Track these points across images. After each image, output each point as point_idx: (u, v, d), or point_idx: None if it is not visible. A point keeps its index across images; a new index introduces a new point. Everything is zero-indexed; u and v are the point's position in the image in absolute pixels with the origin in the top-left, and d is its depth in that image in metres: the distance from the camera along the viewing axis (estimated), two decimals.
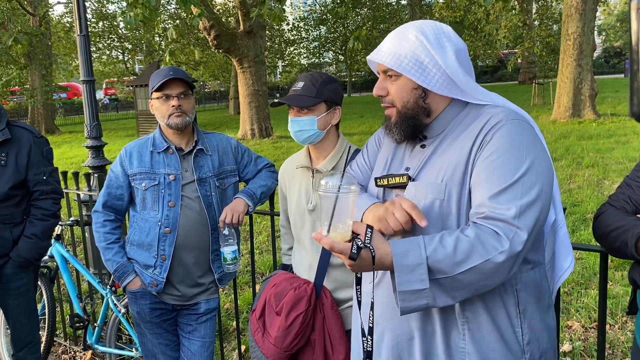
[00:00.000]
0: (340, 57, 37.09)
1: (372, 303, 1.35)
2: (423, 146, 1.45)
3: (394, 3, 30.81)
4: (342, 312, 1.98)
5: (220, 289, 2.55)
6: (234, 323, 3.45)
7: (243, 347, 3.41)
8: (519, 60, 28.18)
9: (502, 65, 38.80)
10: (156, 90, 2.24)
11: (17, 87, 23.43)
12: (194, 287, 2.38)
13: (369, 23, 24.33)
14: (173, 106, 2.23)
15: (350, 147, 2.05)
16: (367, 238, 1.20)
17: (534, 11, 26.99)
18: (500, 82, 36.42)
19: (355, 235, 1.22)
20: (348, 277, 1.97)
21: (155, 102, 2.28)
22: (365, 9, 28.93)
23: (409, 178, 1.41)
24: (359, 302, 1.37)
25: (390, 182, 1.44)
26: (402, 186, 1.42)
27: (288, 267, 2.23)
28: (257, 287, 3.16)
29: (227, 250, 2.28)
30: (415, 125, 1.41)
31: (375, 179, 1.49)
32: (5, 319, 2.93)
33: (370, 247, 1.20)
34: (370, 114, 20.53)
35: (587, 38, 14.06)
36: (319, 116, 1.94)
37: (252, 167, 2.50)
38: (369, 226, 1.22)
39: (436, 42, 1.37)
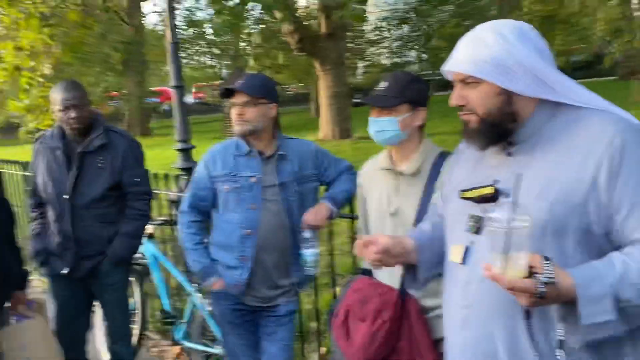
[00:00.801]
0: (423, 55, 36.42)
1: (562, 342, 1.20)
2: (509, 154, 1.34)
3: None
4: (429, 320, 1.91)
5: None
6: (314, 324, 3.46)
7: (324, 349, 3.40)
8: (617, 55, 26.24)
9: (598, 60, 36.37)
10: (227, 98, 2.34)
11: (115, 92, 25.03)
12: (274, 289, 2.41)
13: (454, 20, 23.66)
14: (235, 114, 2.29)
15: (435, 149, 1.99)
16: (547, 271, 1.10)
17: (635, 0, 25.06)
18: (596, 78, 34.17)
19: (531, 269, 1.11)
20: (433, 284, 1.88)
21: None
22: (451, 6, 28.17)
23: (497, 191, 1.30)
24: (532, 336, 1.25)
25: (476, 195, 1.33)
26: (490, 199, 1.31)
27: (368, 272, 2.19)
28: (337, 289, 3.14)
29: (309, 253, 2.28)
30: (499, 132, 1.32)
31: (461, 191, 1.39)
32: (103, 313, 3.12)
33: (555, 282, 1.10)
34: (453, 113, 19.80)
35: None
36: (400, 117, 1.89)
37: (332, 170, 2.49)
38: (545, 258, 1.11)
39: (517, 41, 1.27)
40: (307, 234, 2.29)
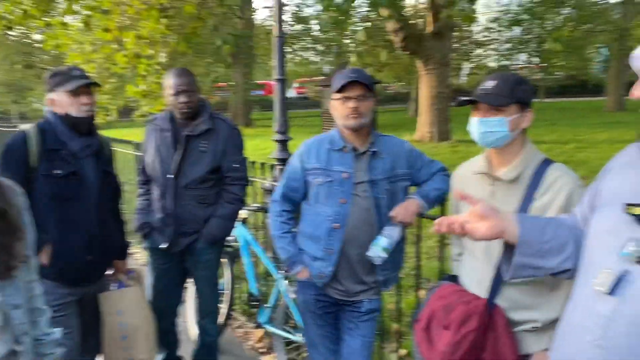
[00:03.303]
0: (534, 59, 34.59)
1: None
2: None
3: (600, 1, 27.72)
4: (516, 334, 1.82)
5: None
6: (396, 325, 3.42)
7: (404, 352, 3.35)
8: None
9: None
10: (337, 92, 2.30)
11: (223, 83, 26.25)
12: (358, 284, 2.40)
13: (571, 23, 22.24)
14: (350, 108, 2.26)
15: (538, 155, 1.88)
16: None
17: None
18: None
19: None
20: (523, 298, 1.81)
21: (335, 103, 2.34)
22: (569, 8, 26.47)
23: None
24: None
25: None
26: None
27: (454, 278, 2.12)
28: (421, 292, 3.08)
29: (383, 241, 2.24)
30: None
31: (627, 205, 1.18)
32: (194, 289, 3.29)
33: None
34: (563, 121, 18.80)
35: None
36: (510, 117, 1.81)
37: (425, 170, 2.44)
38: None
39: None
40: (390, 227, 2.26)
